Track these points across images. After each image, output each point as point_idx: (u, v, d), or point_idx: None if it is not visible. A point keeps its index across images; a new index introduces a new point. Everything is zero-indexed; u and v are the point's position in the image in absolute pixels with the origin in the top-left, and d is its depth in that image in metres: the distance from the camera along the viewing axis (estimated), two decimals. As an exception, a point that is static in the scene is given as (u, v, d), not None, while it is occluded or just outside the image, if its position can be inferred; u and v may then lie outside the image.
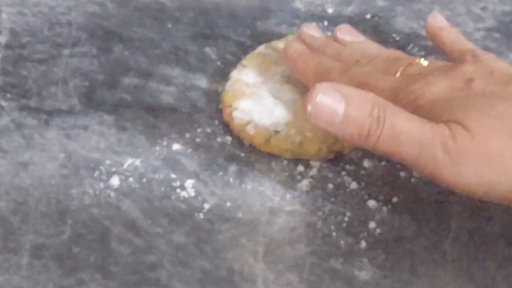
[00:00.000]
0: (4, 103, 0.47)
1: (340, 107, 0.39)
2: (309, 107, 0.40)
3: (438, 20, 0.48)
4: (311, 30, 0.48)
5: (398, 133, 0.38)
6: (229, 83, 0.47)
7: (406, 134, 0.38)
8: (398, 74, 0.42)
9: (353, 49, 0.46)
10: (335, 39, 0.48)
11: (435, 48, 0.48)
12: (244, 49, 0.50)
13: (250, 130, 0.45)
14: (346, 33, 0.48)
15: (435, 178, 0.39)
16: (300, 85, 0.46)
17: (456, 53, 0.45)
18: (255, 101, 0.46)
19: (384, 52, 0.46)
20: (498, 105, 0.38)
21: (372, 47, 0.47)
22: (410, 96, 0.40)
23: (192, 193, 0.44)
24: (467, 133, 0.37)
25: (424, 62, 0.43)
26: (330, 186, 0.44)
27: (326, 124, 0.40)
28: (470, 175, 0.37)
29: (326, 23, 0.52)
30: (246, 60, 0.48)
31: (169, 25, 0.52)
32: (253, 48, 0.50)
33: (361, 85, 0.41)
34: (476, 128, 0.37)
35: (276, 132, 0.45)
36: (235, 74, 0.48)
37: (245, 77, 0.47)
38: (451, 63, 0.43)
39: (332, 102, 0.39)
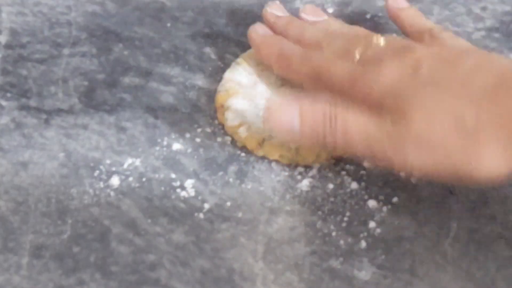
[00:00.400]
0: (4, 103, 0.47)
1: (295, 122, 0.41)
2: (266, 124, 0.42)
3: (398, 1, 0.49)
4: (275, 9, 0.49)
5: (349, 130, 0.41)
6: (222, 82, 0.47)
7: (355, 130, 0.41)
8: (356, 57, 0.43)
9: (315, 29, 0.47)
10: (300, 19, 0.49)
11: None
12: (244, 49, 0.50)
13: (242, 132, 0.45)
14: (310, 13, 0.49)
15: (387, 166, 0.41)
16: (296, 86, 0.46)
17: (416, 33, 0.47)
18: (249, 102, 0.46)
19: (345, 31, 0.47)
20: (441, 93, 0.40)
21: (334, 25, 0.48)
22: (365, 89, 0.42)
23: (192, 193, 0.44)
24: (407, 121, 0.39)
25: (381, 42, 0.44)
26: (330, 186, 0.44)
27: (286, 136, 0.43)
28: (414, 160, 0.39)
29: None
30: (240, 59, 0.48)
31: (169, 25, 0.52)
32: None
33: (321, 73, 0.44)
34: (416, 116, 0.39)
35: (270, 136, 0.45)
36: (228, 74, 0.47)
37: (239, 76, 0.47)
38: (406, 43, 0.44)
39: (287, 119, 0.42)
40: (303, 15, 0.49)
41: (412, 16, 0.48)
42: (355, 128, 0.41)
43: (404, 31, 0.48)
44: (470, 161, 0.38)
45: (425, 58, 0.42)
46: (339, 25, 0.48)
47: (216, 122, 0.47)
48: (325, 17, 0.49)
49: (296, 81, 0.46)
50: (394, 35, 0.49)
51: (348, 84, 0.42)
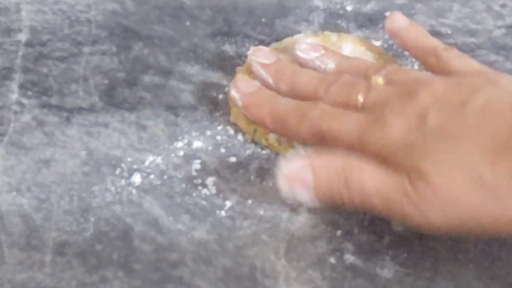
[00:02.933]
0: (25, 101, 0.47)
1: (309, 179, 0.40)
2: (282, 185, 0.40)
3: (398, 19, 0.47)
4: (260, 56, 0.46)
5: (365, 189, 0.39)
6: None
7: (372, 189, 0.39)
8: (360, 101, 0.42)
9: (309, 75, 0.45)
10: (296, 57, 0.47)
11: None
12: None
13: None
14: (304, 51, 0.46)
15: (407, 224, 0.40)
16: None
17: (420, 54, 0.46)
18: None
19: (342, 69, 0.45)
20: (453, 147, 0.38)
21: (330, 63, 0.46)
22: (375, 145, 0.40)
23: (213, 191, 0.44)
24: (425, 181, 0.38)
25: (380, 81, 0.43)
26: (351, 183, 0.44)
27: (299, 194, 0.41)
28: (437, 219, 0.38)
29: (344, 24, 0.52)
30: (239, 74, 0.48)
31: (188, 23, 0.52)
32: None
33: (323, 131, 0.41)
34: (433, 175, 0.38)
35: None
36: (240, 73, 0.47)
37: (250, 76, 0.47)
38: (407, 83, 0.42)
39: (301, 177, 0.40)
40: (298, 53, 0.46)
41: (414, 35, 0.46)
42: (372, 187, 0.39)
43: (407, 51, 0.47)
44: (494, 215, 0.37)
45: (431, 103, 0.40)
46: (335, 64, 0.46)
47: (236, 120, 0.47)
48: (322, 51, 0.46)
49: (297, 141, 0.44)
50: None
51: (357, 141, 0.40)
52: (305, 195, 0.40)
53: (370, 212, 0.41)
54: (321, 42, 0.48)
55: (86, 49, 0.50)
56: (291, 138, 0.44)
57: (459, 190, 0.38)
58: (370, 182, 0.39)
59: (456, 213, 0.38)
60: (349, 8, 0.52)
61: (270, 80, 0.45)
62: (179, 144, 0.46)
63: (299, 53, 0.47)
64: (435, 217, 0.38)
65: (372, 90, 0.42)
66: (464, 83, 0.41)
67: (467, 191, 0.38)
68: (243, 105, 0.44)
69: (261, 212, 0.43)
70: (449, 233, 0.39)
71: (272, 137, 0.45)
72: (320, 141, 0.42)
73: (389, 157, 0.39)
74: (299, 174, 0.40)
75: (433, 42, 0.46)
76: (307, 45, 0.47)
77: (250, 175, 0.44)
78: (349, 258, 0.41)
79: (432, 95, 0.40)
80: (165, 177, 0.44)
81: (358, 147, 0.40)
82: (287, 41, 0.49)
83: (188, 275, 0.40)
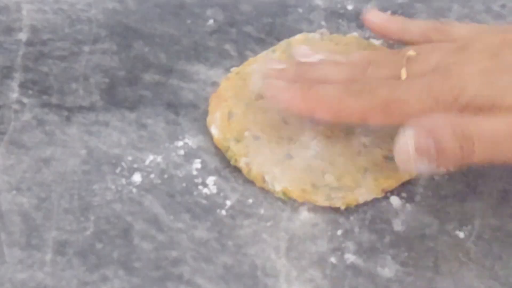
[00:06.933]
0: (25, 100, 0.47)
1: (431, 146, 0.38)
2: (409, 154, 0.38)
3: (377, 15, 0.46)
4: (274, 64, 0.45)
5: (488, 138, 0.38)
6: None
7: (495, 136, 0.38)
8: (403, 77, 0.40)
9: (333, 66, 0.43)
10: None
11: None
12: (264, 46, 0.50)
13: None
14: (304, 55, 0.45)
15: None
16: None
17: (416, 37, 0.44)
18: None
19: (370, 58, 0.43)
20: None
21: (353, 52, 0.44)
22: (449, 97, 0.39)
23: (214, 190, 0.44)
24: None
25: (412, 53, 0.41)
26: (352, 183, 0.44)
27: (426, 164, 0.38)
28: None
29: (344, 23, 0.52)
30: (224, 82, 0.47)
31: (189, 22, 0.52)
32: (272, 44, 0.50)
33: (388, 105, 0.39)
34: None
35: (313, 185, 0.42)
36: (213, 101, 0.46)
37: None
38: (456, 44, 0.41)
39: (424, 145, 0.38)
40: (301, 58, 0.45)
41: (401, 22, 0.45)
42: (492, 134, 0.38)
43: (400, 40, 0.45)
44: None
45: (490, 46, 0.39)
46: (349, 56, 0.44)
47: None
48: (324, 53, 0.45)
49: (353, 123, 0.42)
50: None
51: (429, 103, 0.39)
52: (430, 161, 0.38)
53: (491, 162, 0.39)
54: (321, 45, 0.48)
55: (87, 48, 0.50)
56: (345, 120, 0.41)
57: None
58: (488, 129, 0.38)
59: None
60: (349, 7, 0.52)
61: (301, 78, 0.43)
62: (180, 143, 0.46)
63: (301, 58, 0.45)
64: None
65: (411, 62, 0.40)
66: (497, 28, 0.41)
67: None
68: (282, 100, 0.42)
69: (262, 211, 0.43)
70: None
71: (242, 160, 0.44)
72: (383, 115, 0.40)
73: (481, 104, 0.38)
74: (422, 144, 0.38)
75: (423, 21, 0.45)
76: (306, 49, 0.46)
77: (251, 174, 0.44)
78: (350, 257, 0.41)
79: (484, 42, 0.39)
80: (166, 176, 0.44)
81: (431, 110, 0.38)
82: (282, 45, 0.49)
83: (189, 273, 0.40)
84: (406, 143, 0.38)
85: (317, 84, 0.42)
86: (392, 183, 0.43)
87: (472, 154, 0.38)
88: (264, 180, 0.43)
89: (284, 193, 0.42)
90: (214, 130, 0.45)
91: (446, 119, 0.38)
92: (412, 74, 0.40)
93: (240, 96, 0.46)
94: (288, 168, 0.43)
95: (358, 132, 0.44)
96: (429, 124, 0.38)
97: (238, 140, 0.44)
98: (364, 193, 0.42)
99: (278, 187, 0.43)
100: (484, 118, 0.38)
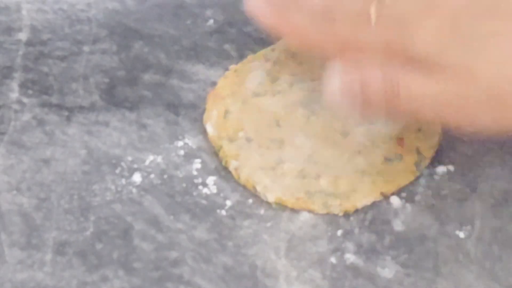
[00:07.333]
0: (25, 100, 0.47)
1: (357, 93, 0.39)
2: (331, 100, 0.39)
3: None
4: None
5: (413, 96, 0.38)
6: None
7: (419, 95, 0.38)
8: (372, 20, 0.40)
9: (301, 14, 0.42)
10: None
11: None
12: (264, 46, 0.50)
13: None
14: None
15: (458, 128, 0.39)
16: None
17: None
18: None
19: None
20: (498, 43, 0.37)
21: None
22: (399, 46, 0.38)
23: (214, 190, 0.44)
24: (473, 78, 0.37)
25: None
26: (352, 183, 0.44)
27: (346, 109, 0.40)
28: (486, 117, 0.37)
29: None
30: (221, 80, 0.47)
31: (189, 22, 0.52)
32: (272, 44, 0.50)
33: (349, 49, 0.40)
34: (481, 72, 0.37)
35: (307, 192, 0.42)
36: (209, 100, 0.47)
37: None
38: None
39: (350, 91, 0.39)
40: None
41: None
42: (419, 92, 0.38)
43: None
44: None
45: (461, 8, 0.38)
46: None
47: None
48: None
49: (317, 53, 0.42)
50: None
51: (384, 50, 0.39)
52: (353, 110, 0.39)
53: (415, 118, 0.40)
54: None
55: (87, 48, 0.50)
56: (311, 48, 0.42)
57: (508, 86, 0.36)
58: (416, 87, 0.38)
59: (507, 111, 0.37)
60: None
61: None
62: (180, 143, 0.46)
63: None
64: (483, 115, 0.37)
65: (381, 4, 0.40)
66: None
67: None
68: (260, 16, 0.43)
69: (262, 211, 0.43)
70: (499, 134, 0.38)
71: (232, 164, 0.44)
72: (342, 52, 0.40)
73: (425, 60, 0.38)
74: (347, 88, 0.39)
75: None
76: None
77: (251, 175, 0.44)
78: (350, 257, 0.41)
79: (453, 3, 0.38)
80: (166, 176, 0.44)
81: (385, 57, 0.39)
82: (282, 44, 0.49)
83: (188, 274, 0.40)
84: (334, 75, 0.39)
85: (292, 10, 0.42)
86: (391, 188, 0.43)
87: (397, 104, 0.38)
88: (255, 190, 0.43)
89: (278, 203, 0.42)
90: (209, 128, 0.45)
91: (383, 63, 0.39)
92: (380, 14, 0.40)
93: (237, 93, 0.46)
94: (280, 175, 0.43)
95: (355, 132, 0.44)
96: (362, 61, 0.39)
97: (231, 140, 0.44)
98: (362, 198, 0.42)
99: (270, 198, 0.42)
100: (420, 74, 0.38)
